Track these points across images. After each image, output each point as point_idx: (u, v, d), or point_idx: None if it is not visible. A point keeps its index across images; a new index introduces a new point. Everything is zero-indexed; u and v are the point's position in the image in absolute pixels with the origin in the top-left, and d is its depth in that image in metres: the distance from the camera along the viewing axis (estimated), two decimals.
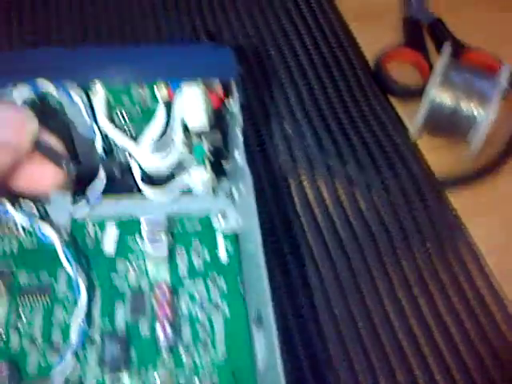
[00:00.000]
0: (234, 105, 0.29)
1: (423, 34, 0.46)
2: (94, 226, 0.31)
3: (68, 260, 0.27)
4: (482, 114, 0.37)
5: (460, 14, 0.48)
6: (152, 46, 0.33)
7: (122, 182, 0.31)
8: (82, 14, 0.44)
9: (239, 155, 0.28)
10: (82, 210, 0.31)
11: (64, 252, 0.27)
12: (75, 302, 0.27)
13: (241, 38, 0.43)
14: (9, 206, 0.27)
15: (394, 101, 0.42)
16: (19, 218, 0.28)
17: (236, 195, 0.31)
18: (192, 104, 0.29)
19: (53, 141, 0.27)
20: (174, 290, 0.29)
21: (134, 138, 0.31)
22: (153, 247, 0.28)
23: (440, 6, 0.48)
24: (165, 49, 0.30)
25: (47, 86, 0.28)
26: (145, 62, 0.29)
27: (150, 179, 0.31)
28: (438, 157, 0.39)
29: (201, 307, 0.28)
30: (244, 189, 0.28)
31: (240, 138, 0.28)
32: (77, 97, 0.28)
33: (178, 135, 0.30)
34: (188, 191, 0.32)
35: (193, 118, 0.30)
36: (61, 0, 0.45)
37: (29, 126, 0.25)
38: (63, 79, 0.27)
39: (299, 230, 0.34)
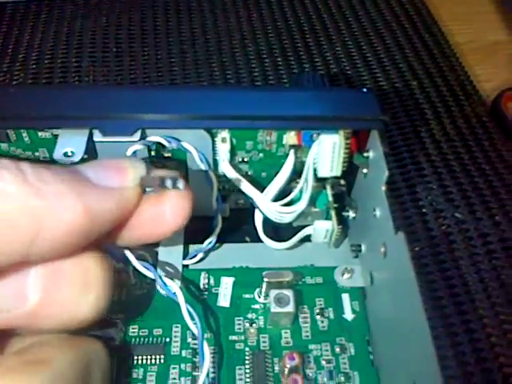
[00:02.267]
0: (376, 155, 0.26)
1: None
2: (206, 275, 0.28)
3: (191, 316, 0.24)
4: None
5: None
6: (282, 89, 0.31)
7: (237, 231, 0.30)
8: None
9: (381, 210, 0.26)
10: (194, 258, 0.29)
11: (187, 307, 0.24)
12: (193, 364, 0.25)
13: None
14: (130, 256, 0.25)
15: None
16: (142, 268, 0.25)
17: (364, 249, 0.29)
18: (328, 155, 0.27)
19: (167, 172, 0.22)
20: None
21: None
22: (278, 304, 0.26)
23: None
24: (298, 93, 0.28)
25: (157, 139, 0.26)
26: (278, 107, 0.26)
27: (271, 229, 0.30)
28: None
29: (329, 375, 0.26)
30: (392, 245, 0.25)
31: (382, 193, 0.25)
32: (189, 146, 0.26)
33: (309, 185, 0.28)
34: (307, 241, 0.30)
35: (325, 167, 0.27)
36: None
37: (133, 169, 0.21)
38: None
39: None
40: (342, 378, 0.25)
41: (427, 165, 0.36)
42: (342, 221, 0.30)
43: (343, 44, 0.44)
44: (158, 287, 0.25)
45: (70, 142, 0.25)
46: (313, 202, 0.30)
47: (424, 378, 0.21)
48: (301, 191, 0.28)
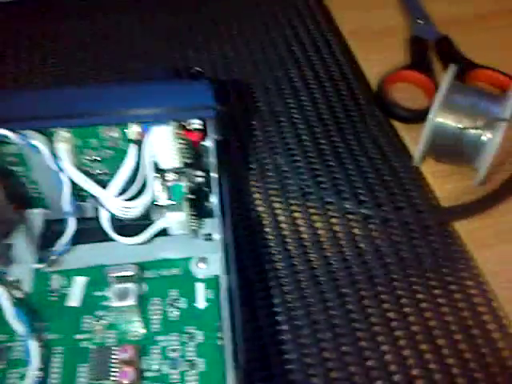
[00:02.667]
0: (209, 144, 0.27)
1: (428, 53, 0.43)
2: (59, 277, 0.28)
3: (19, 318, 0.25)
4: (489, 138, 0.34)
5: (470, 30, 0.46)
6: (125, 84, 0.31)
7: (93, 231, 0.30)
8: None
9: (214, 195, 0.26)
10: (47, 260, 0.29)
11: (14, 310, 0.25)
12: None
13: (225, 73, 0.42)
14: None
15: (398, 125, 0.39)
16: None
17: (216, 237, 0.29)
18: (162, 144, 0.27)
19: None
20: (144, 347, 0.26)
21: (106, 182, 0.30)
22: (120, 298, 0.26)
23: (448, 23, 0.45)
24: (138, 87, 0.28)
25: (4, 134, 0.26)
26: (115, 102, 0.27)
27: (122, 225, 0.29)
28: (444, 184, 0.35)
29: (173, 365, 0.26)
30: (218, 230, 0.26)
31: (214, 178, 0.26)
32: (40, 144, 0.26)
33: (149, 177, 0.28)
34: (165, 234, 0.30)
35: (164, 158, 0.28)
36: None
37: None
38: (22, 126, 0.26)
39: (290, 267, 0.31)
40: (187, 366, 0.25)
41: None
42: (206, 211, 0.31)
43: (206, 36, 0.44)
44: None
45: None
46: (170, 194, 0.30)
47: None
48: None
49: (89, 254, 0.30)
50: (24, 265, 0.28)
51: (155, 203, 0.29)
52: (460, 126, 0.34)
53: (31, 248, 0.29)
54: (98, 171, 0.30)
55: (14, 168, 0.29)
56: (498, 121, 0.33)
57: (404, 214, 0.33)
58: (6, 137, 0.26)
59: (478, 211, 0.34)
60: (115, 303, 0.26)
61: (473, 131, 0.34)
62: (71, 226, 0.29)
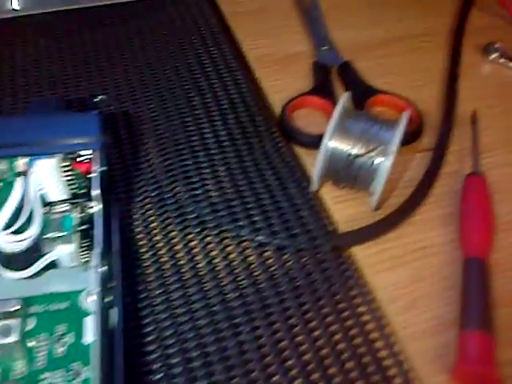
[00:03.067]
0: (93, 174, 0.28)
1: (331, 78, 0.45)
2: None
3: None
4: (381, 163, 0.35)
5: (373, 56, 0.48)
6: (14, 116, 0.31)
7: None
8: None
9: (96, 228, 0.26)
10: None
11: None
12: None
13: (129, 100, 0.42)
14: None
15: (301, 151, 0.40)
16: None
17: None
18: (48, 177, 0.27)
19: None
20: None
21: None
22: (1, 335, 0.26)
23: (353, 49, 0.47)
24: (27, 119, 0.29)
25: None
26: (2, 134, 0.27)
27: (9, 256, 0.29)
28: (344, 209, 0.37)
29: None
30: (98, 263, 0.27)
31: (97, 208, 0.26)
32: None
33: (36, 210, 0.28)
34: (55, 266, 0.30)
35: (51, 190, 0.28)
36: None
37: None
38: None
39: (183, 297, 0.31)
40: None
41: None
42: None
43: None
44: None
45: None
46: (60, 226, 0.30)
47: None
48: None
49: None
50: None
51: (44, 236, 0.29)
52: (353, 151, 0.36)
53: None
54: None
55: None
56: (389, 146, 0.35)
57: (299, 241, 0.34)
58: None
59: (373, 236, 0.36)
60: None
61: (365, 156, 0.36)
62: None
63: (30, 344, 0.27)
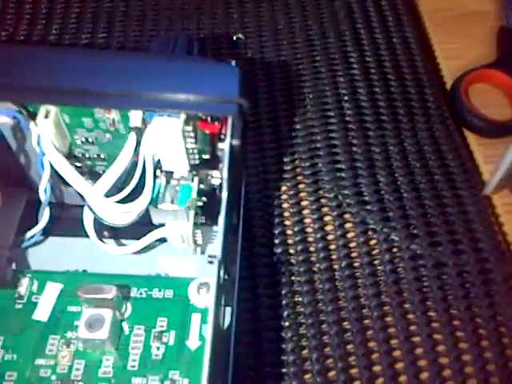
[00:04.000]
0: (225, 147, 0.21)
1: None
2: (29, 279, 0.23)
3: None
4: None
5: None
6: (130, 56, 0.24)
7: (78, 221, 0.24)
8: None
9: (222, 215, 0.21)
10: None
11: None
12: None
13: (271, 46, 0.34)
14: None
15: (472, 138, 0.32)
16: None
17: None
18: (166, 140, 0.21)
19: None
20: None
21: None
22: (89, 328, 0.21)
23: None
24: (146, 61, 0.22)
25: None
26: (114, 78, 0.21)
27: (111, 230, 0.24)
28: None
29: None
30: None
31: (224, 196, 0.20)
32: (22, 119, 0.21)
33: (148, 177, 0.22)
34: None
35: (169, 157, 0.22)
36: None
37: None
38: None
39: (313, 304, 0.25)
40: None
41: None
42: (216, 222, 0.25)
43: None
44: None
45: None
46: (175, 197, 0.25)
47: None
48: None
49: (68, 252, 0.24)
50: None
51: (156, 205, 0.24)
52: None
53: (9, 231, 0.24)
54: (93, 155, 0.24)
55: None
56: None
57: (463, 260, 0.26)
58: None
59: None
60: (83, 333, 0.21)
61: None
62: (45, 216, 0.23)
63: (126, 336, 0.22)
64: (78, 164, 0.25)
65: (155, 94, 0.20)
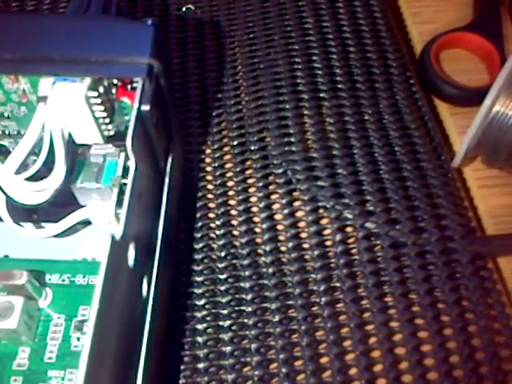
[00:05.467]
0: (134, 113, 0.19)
1: (500, 11, 0.33)
2: None
3: None
4: None
5: None
6: (40, 16, 0.23)
7: None
8: None
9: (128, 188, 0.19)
10: None
11: None
12: None
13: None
14: None
15: (443, 108, 0.30)
16: None
17: None
18: (72, 109, 0.20)
19: None
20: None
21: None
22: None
23: None
24: (52, 23, 0.20)
25: None
26: (14, 42, 0.19)
27: (28, 212, 0.23)
28: (493, 198, 0.27)
29: None
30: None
31: (131, 166, 0.18)
32: None
33: (58, 149, 0.21)
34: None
35: (77, 128, 0.20)
36: None
37: None
38: None
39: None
40: None
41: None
42: None
43: None
44: None
45: None
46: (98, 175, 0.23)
47: None
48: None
49: None
50: None
51: (76, 185, 0.23)
52: None
53: None
54: (12, 132, 0.23)
55: None
56: None
57: (425, 239, 0.24)
58: None
59: None
60: None
61: None
62: None
63: (39, 328, 0.21)
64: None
65: (56, 56, 0.19)
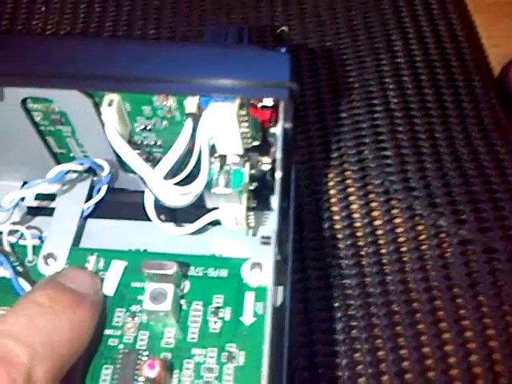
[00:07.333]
0: (277, 130, 0.24)
1: None
2: (96, 258, 0.26)
3: None
4: None
5: None
6: (186, 46, 0.27)
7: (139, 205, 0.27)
8: None
9: (275, 195, 0.23)
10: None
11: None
12: None
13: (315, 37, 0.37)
14: None
15: None
16: None
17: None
18: (222, 124, 0.24)
19: None
20: (176, 360, 0.24)
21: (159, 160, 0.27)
22: (153, 301, 0.23)
23: None
24: (202, 50, 0.25)
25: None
26: (173, 66, 0.24)
27: (169, 212, 0.27)
28: None
29: None
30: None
31: (277, 176, 0.22)
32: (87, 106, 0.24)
33: (204, 160, 0.25)
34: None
35: (224, 141, 0.25)
36: None
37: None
38: (67, 84, 0.24)
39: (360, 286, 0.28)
40: None
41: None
42: (266, 206, 0.28)
43: None
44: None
45: None
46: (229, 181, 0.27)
47: None
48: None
49: (132, 233, 0.28)
50: (60, 239, 0.27)
51: (210, 190, 0.27)
52: None
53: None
54: (150, 142, 0.28)
55: (59, 127, 0.27)
56: None
57: None
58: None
59: None
60: (148, 305, 0.24)
61: None
62: (100, 194, 0.28)
63: (185, 311, 0.25)
64: (137, 151, 0.28)
65: (211, 79, 0.23)
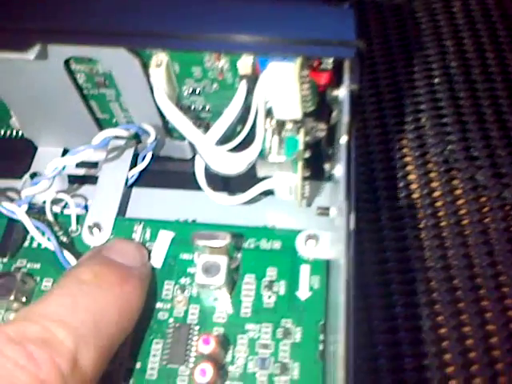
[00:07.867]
0: (342, 93, 0.22)
1: None
2: (142, 227, 0.25)
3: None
4: None
5: None
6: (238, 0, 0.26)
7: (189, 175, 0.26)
8: None
9: (340, 163, 0.22)
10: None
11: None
12: None
13: None
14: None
15: None
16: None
17: (332, 213, 0.25)
18: (281, 86, 0.22)
19: None
20: (230, 335, 0.23)
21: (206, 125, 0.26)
22: (206, 274, 0.23)
23: None
24: (255, 6, 0.23)
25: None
26: (227, 23, 0.22)
27: (220, 181, 0.26)
28: None
29: (262, 364, 0.22)
30: (338, 211, 0.22)
31: (342, 141, 0.21)
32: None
33: (260, 126, 0.24)
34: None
35: (282, 105, 0.23)
36: None
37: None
38: (114, 41, 0.22)
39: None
40: (278, 369, 0.22)
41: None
42: (320, 175, 0.26)
43: None
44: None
45: None
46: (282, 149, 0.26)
47: None
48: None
49: (179, 203, 0.27)
50: (105, 208, 0.26)
51: (262, 158, 0.25)
52: None
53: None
54: (198, 107, 0.26)
55: (102, 90, 0.26)
56: None
57: None
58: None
59: None
60: (200, 279, 0.23)
61: None
62: (145, 162, 0.27)
63: (237, 284, 0.24)
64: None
65: (270, 37, 0.21)
